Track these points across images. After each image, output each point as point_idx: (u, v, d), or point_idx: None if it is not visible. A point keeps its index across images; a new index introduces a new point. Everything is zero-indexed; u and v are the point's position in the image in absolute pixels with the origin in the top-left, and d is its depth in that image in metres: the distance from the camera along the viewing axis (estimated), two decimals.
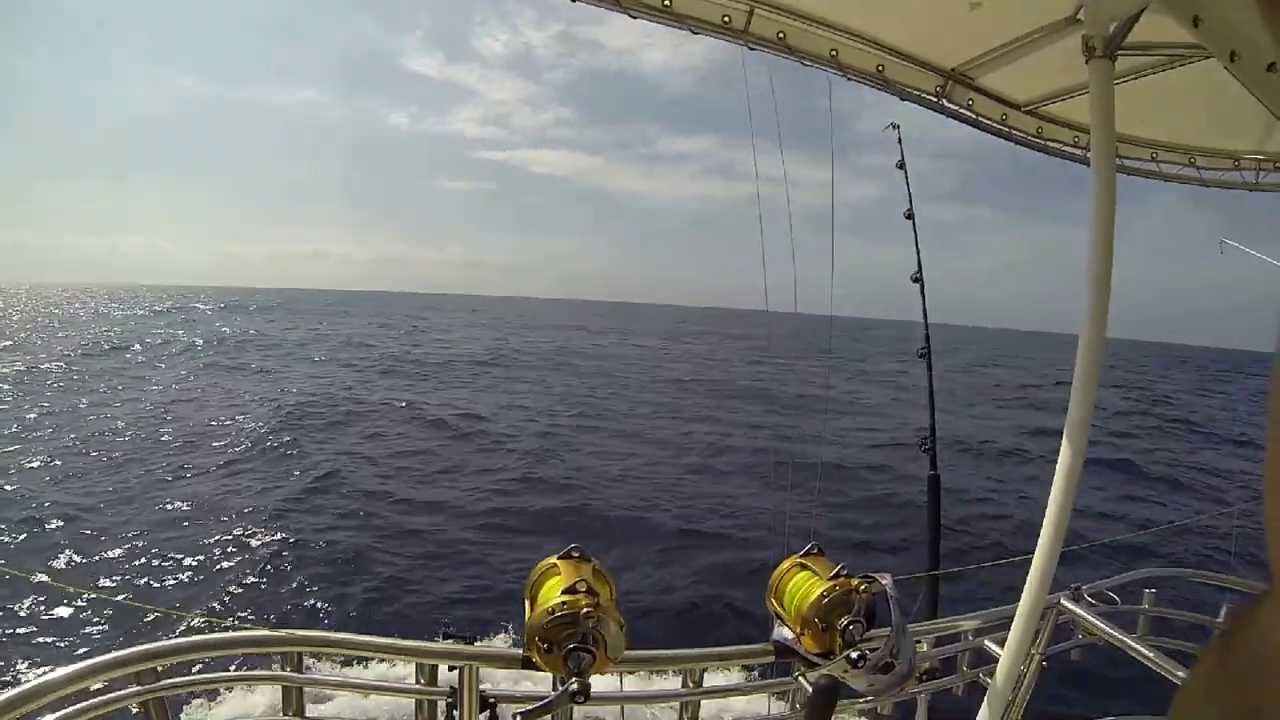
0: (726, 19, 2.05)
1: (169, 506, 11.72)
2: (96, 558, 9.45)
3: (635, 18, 1.96)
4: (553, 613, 1.47)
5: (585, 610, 1.46)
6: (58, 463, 14.11)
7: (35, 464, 13.96)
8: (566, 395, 26.81)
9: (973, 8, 2.07)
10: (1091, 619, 2.60)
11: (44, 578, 6.41)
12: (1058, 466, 1.94)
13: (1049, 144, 2.87)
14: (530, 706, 1.51)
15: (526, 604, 1.57)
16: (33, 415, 18.54)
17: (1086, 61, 1.82)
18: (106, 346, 38.07)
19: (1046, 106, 2.79)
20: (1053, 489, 1.97)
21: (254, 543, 10.16)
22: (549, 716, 1.53)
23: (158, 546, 9.84)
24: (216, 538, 10.27)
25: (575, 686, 1.46)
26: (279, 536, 10.33)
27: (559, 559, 1.60)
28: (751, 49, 2.11)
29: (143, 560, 9.45)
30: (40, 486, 12.57)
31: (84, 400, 21.12)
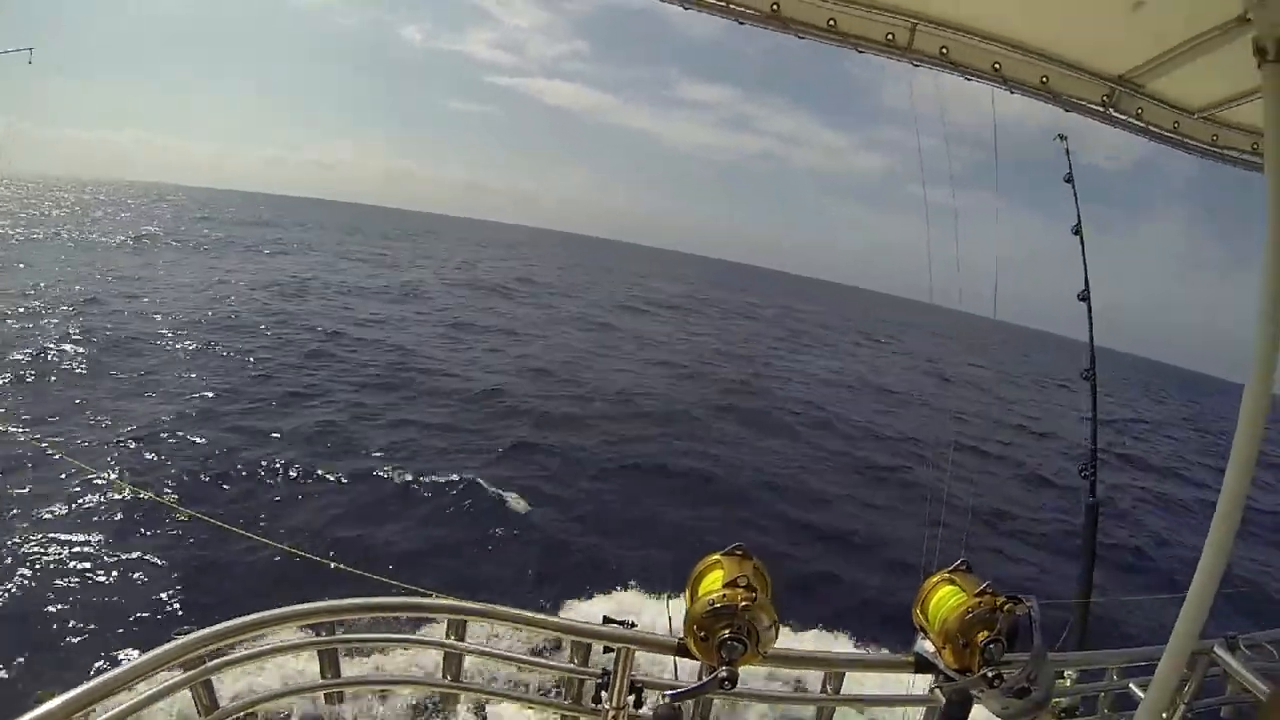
0: (890, 36, 2.07)
1: None
2: None
3: (802, 37, 2.02)
4: (713, 604, 1.60)
5: (743, 604, 1.58)
6: None
7: None
8: None
9: (1135, 7, 1.98)
10: (1246, 673, 2.42)
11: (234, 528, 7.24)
12: (1219, 500, 1.87)
13: (1225, 152, 2.68)
14: (680, 689, 1.65)
15: (687, 595, 1.72)
16: None
17: (1259, 66, 1.71)
18: None
19: (1222, 112, 2.60)
20: (1212, 525, 1.89)
21: None
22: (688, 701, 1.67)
23: None
24: None
25: (725, 674, 1.59)
26: None
27: (723, 555, 1.73)
28: (915, 65, 2.12)
29: None
30: None
31: None
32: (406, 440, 14.10)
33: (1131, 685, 2.44)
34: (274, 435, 13.16)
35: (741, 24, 1.97)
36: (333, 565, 5.32)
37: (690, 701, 1.63)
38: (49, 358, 16.25)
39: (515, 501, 11.76)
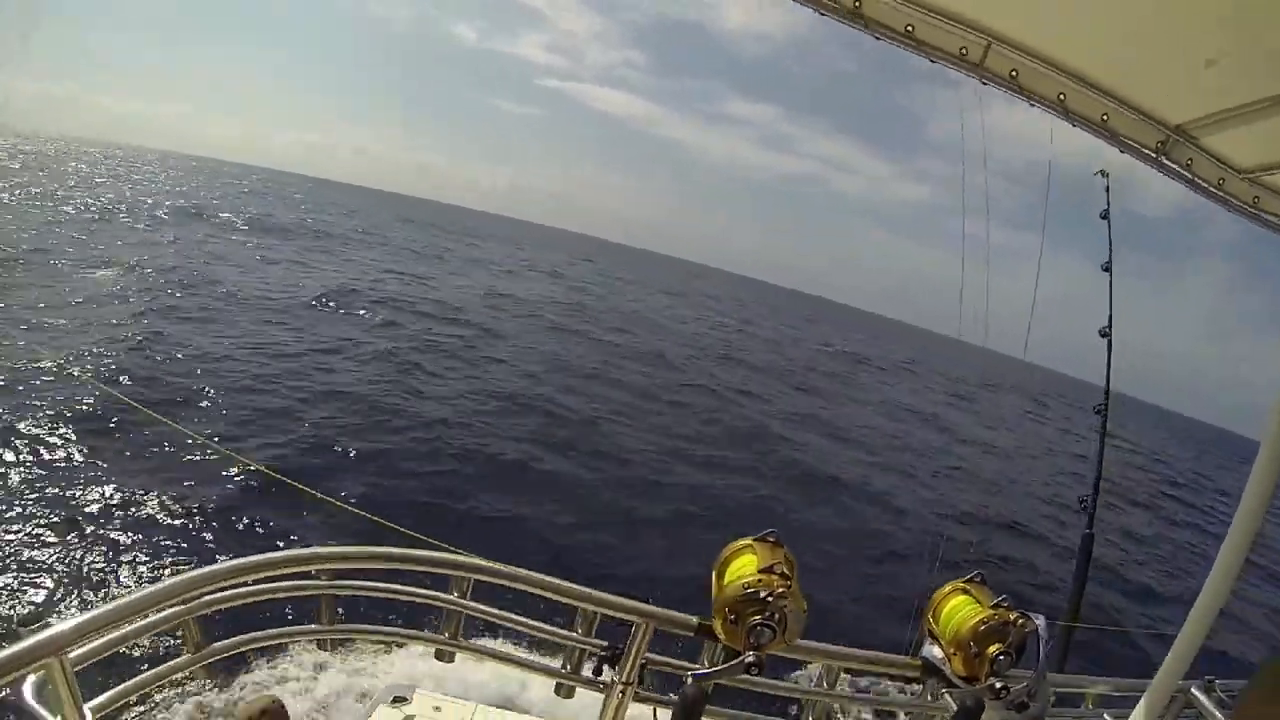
0: (964, 50, 2.08)
1: None
2: None
3: (878, 38, 2.03)
4: (747, 588, 1.55)
5: (778, 590, 1.53)
6: None
7: None
8: None
9: (1208, 65, 2.01)
10: (1221, 717, 2.44)
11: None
12: (1221, 549, 1.86)
13: (1263, 214, 2.72)
14: (704, 670, 1.59)
15: (714, 578, 1.66)
16: None
17: None
18: None
19: (1267, 176, 2.65)
20: (1212, 570, 1.88)
21: None
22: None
23: None
24: None
25: (752, 658, 1.53)
26: None
27: (755, 540, 1.68)
28: (984, 84, 2.13)
29: None
30: None
31: None
32: None
33: (1106, 716, 2.44)
34: None
35: (822, 15, 1.98)
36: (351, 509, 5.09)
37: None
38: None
39: None
